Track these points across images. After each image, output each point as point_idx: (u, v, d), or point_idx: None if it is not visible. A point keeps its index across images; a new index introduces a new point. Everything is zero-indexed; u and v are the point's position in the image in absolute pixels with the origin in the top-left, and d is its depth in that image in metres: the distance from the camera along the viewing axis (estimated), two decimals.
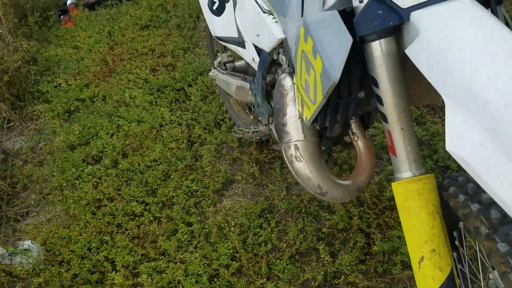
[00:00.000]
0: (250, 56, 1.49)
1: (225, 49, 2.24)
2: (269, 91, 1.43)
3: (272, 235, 1.70)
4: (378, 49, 0.87)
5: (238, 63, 1.92)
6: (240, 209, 1.84)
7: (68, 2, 3.97)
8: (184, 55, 2.96)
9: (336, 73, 0.88)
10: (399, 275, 1.50)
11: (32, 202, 2.13)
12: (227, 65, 1.92)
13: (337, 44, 0.88)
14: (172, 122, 2.37)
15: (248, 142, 2.14)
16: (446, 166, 1.83)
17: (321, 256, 1.59)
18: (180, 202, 1.92)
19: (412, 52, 0.79)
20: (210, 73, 2.00)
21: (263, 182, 1.95)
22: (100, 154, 2.29)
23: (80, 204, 1.99)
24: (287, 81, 1.21)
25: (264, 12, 1.30)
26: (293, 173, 1.20)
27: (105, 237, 1.80)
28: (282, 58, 1.26)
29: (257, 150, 2.08)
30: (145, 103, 2.55)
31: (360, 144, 1.28)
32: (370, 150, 1.28)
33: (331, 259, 1.57)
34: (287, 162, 1.20)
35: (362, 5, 0.87)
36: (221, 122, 2.31)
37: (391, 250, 1.55)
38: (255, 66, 1.47)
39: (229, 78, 1.82)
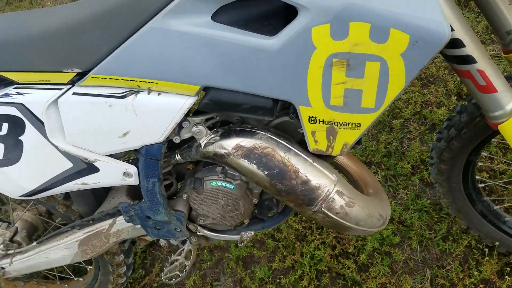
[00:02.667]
0: (115, 174, 0.96)
1: None
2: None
3: None
4: None
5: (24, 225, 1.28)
6: None
7: None
8: None
9: (444, 26, 0.65)
10: None
11: None
12: (16, 238, 1.24)
13: (415, 3, 0.65)
14: None
15: None
16: None
17: None
18: None
19: None
20: None
21: None
22: None
23: None
24: (259, 140, 0.84)
25: (124, 96, 0.83)
26: (354, 225, 0.85)
27: None
28: (199, 130, 0.87)
29: None
30: None
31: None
32: (350, 154, 1.07)
33: None
34: (340, 220, 0.84)
35: None
36: None
37: None
38: (131, 180, 0.96)
39: (49, 245, 1.19)
